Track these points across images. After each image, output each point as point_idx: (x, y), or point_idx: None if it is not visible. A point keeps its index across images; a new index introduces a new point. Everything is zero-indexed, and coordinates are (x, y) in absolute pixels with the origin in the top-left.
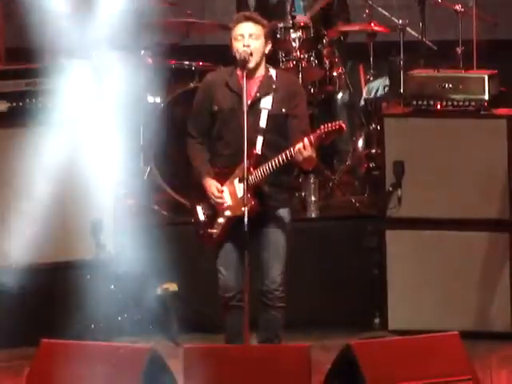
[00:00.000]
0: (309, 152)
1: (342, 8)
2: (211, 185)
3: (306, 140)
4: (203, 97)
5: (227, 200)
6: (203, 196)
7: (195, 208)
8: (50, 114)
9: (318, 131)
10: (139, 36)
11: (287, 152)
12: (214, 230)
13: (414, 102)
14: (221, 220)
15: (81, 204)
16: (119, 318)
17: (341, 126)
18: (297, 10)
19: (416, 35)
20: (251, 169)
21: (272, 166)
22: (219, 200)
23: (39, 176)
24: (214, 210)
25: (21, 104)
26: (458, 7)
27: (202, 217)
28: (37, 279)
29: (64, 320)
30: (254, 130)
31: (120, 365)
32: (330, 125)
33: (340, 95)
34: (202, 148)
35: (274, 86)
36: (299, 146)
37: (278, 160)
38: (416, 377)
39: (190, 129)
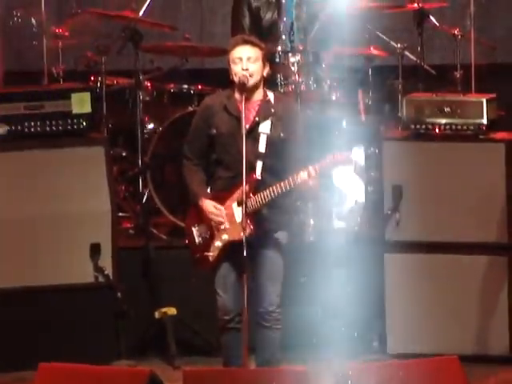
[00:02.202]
0: (313, 181)
1: (339, 32)
2: (209, 204)
3: (311, 170)
4: (201, 120)
5: (225, 223)
6: (199, 218)
7: (190, 230)
8: (50, 137)
9: (324, 162)
10: (138, 60)
11: (290, 180)
12: (211, 253)
13: (413, 126)
14: (218, 243)
15: (79, 227)
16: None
17: (348, 159)
18: (293, 32)
19: (414, 59)
20: (250, 194)
21: (273, 193)
22: (219, 219)
23: (37, 199)
24: (211, 232)
25: (19, 127)
26: (456, 31)
27: (197, 239)
28: (35, 302)
29: (62, 343)
30: (254, 154)
31: None
32: (336, 156)
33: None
34: (197, 170)
35: (272, 110)
36: (304, 175)
37: (280, 187)
38: None
39: (186, 151)
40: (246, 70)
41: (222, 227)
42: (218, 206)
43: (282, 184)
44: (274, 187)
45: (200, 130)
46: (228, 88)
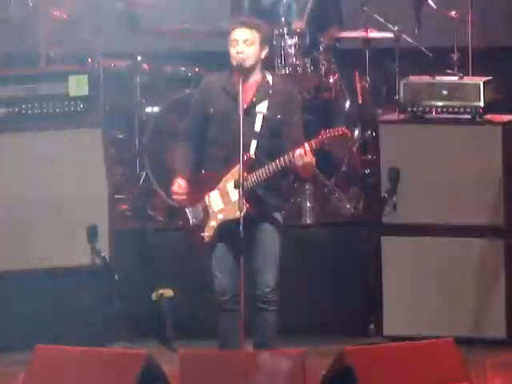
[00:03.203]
0: (309, 158)
1: (336, 14)
2: (175, 183)
3: (306, 145)
4: (200, 99)
5: (219, 203)
6: (192, 199)
7: (184, 211)
8: (47, 119)
9: (320, 137)
10: (135, 42)
11: (286, 157)
12: (206, 234)
13: (410, 109)
14: (213, 223)
15: (76, 209)
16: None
17: (344, 132)
18: (291, 14)
19: (411, 42)
20: (245, 173)
21: (269, 171)
22: (178, 197)
23: (34, 181)
24: (206, 212)
25: (17, 109)
26: (453, 14)
27: (191, 220)
28: (32, 284)
29: (60, 325)
30: (249, 133)
31: (115, 370)
32: (332, 130)
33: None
34: (186, 147)
35: (270, 92)
36: (300, 151)
37: (276, 165)
38: (411, 383)
39: (183, 130)
40: (241, 52)
41: (217, 208)
42: (182, 184)
43: (278, 162)
44: (270, 166)
45: (198, 108)
46: (227, 69)
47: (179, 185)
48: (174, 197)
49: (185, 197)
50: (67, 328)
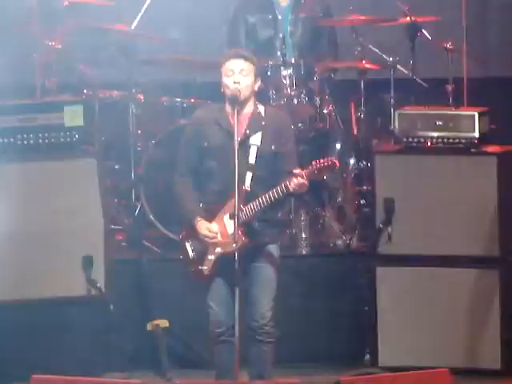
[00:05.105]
0: (304, 188)
1: (332, 45)
2: (202, 226)
3: (298, 178)
4: (192, 133)
5: (217, 237)
6: (192, 232)
7: (184, 245)
8: (42, 149)
9: (310, 167)
10: (131, 73)
11: (278, 189)
12: (205, 267)
13: (405, 139)
14: (211, 257)
15: (72, 240)
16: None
17: (333, 162)
18: (286, 47)
19: (406, 72)
20: (241, 205)
21: (263, 202)
22: (212, 241)
23: (29, 211)
24: (204, 246)
25: (12, 140)
26: (448, 45)
27: (191, 253)
28: (27, 315)
29: (54, 356)
30: (244, 166)
31: None
32: (322, 161)
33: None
34: (190, 187)
35: (263, 123)
36: (291, 183)
37: (270, 196)
38: None
39: (179, 166)
40: (238, 83)
41: (215, 242)
42: (211, 227)
43: (271, 193)
44: (263, 197)
45: (191, 143)
46: (220, 101)
47: (208, 227)
48: (211, 241)
49: (217, 238)
50: (63, 358)
